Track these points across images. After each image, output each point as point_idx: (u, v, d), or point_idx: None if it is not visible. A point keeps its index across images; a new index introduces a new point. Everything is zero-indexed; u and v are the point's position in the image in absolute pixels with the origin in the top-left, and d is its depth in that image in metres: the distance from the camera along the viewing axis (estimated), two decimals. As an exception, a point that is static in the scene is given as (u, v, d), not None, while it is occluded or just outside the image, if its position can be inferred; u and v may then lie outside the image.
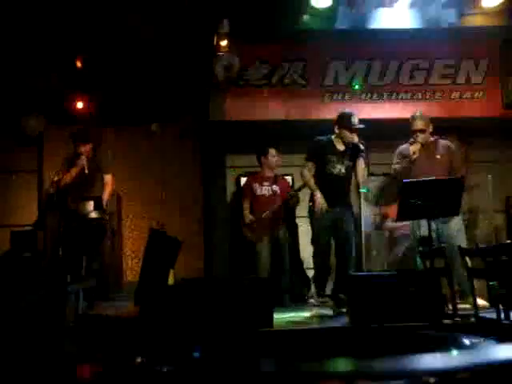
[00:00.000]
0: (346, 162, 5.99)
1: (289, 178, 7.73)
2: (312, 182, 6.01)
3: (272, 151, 7.18)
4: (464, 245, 5.86)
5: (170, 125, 8.14)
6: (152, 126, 8.01)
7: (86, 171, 6.75)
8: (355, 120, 5.92)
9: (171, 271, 6.67)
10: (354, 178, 6.16)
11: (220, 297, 5.34)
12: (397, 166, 6.19)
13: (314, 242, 6.10)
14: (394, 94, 8.06)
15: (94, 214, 6.79)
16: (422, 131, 6.07)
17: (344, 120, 5.96)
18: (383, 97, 8.05)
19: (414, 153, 6.01)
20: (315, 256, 6.11)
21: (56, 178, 6.85)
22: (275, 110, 7.89)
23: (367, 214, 8.10)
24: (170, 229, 7.07)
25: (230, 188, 8.30)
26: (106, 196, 6.90)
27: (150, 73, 7.63)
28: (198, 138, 8.28)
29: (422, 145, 6.03)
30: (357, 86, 8.03)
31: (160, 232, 6.90)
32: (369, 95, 8.07)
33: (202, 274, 7.77)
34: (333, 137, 6.04)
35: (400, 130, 7.37)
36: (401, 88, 8.08)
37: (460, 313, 5.37)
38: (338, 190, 6.01)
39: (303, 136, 6.38)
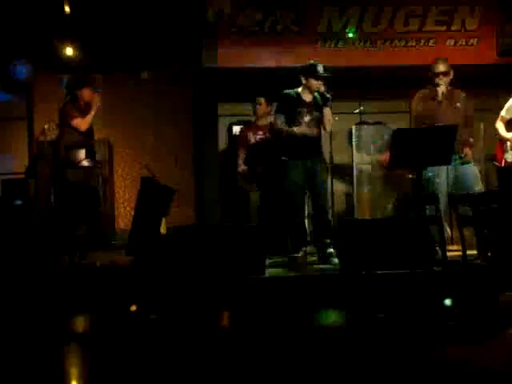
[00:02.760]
0: (315, 113, 6.03)
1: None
2: (287, 127, 6.00)
3: (259, 100, 7.10)
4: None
5: (161, 72, 8.14)
6: (142, 73, 8.06)
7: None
8: (320, 68, 5.97)
9: (163, 219, 6.59)
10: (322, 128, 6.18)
11: (212, 245, 5.40)
12: (420, 108, 6.17)
13: (288, 197, 6.08)
14: (388, 41, 8.07)
15: (85, 163, 6.73)
16: (446, 74, 6.09)
17: (310, 69, 6.00)
18: (377, 44, 8.06)
19: (442, 93, 6.04)
20: (291, 212, 6.06)
21: (47, 126, 6.83)
22: (268, 57, 7.86)
23: (358, 160, 8.20)
24: (161, 177, 6.87)
25: (222, 136, 8.34)
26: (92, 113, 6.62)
27: (141, 18, 7.61)
28: (190, 86, 8.27)
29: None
30: (350, 34, 8.02)
31: (152, 180, 6.70)
32: (362, 42, 8.07)
33: (193, 222, 7.81)
34: (300, 89, 6.08)
35: (393, 77, 7.68)
36: (395, 35, 8.08)
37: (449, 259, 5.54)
38: (308, 140, 6.03)
39: (297, 84, 6.26)
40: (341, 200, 8.16)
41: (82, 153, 6.73)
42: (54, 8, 7.31)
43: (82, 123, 6.54)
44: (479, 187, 6.08)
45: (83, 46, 7.72)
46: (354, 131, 8.19)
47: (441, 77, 6.09)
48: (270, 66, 7.72)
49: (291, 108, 6.03)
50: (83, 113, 6.55)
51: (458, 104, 6.15)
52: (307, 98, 6.06)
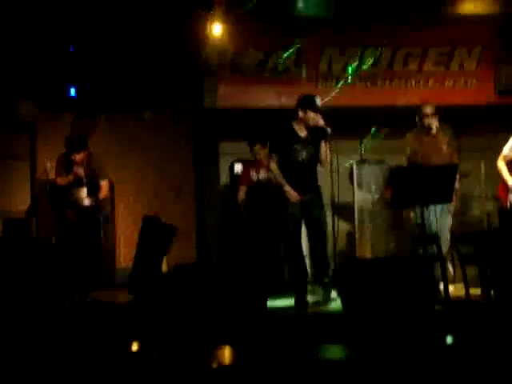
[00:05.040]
0: (310, 148, 5.95)
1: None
2: (281, 176, 5.92)
3: (255, 149, 7.22)
4: (447, 230, 6.12)
5: (162, 111, 8.16)
6: (144, 113, 8.05)
7: (84, 180, 6.82)
8: (319, 101, 5.91)
9: (164, 258, 6.79)
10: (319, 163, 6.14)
11: (212, 283, 5.42)
12: (413, 147, 6.34)
13: (287, 237, 6.02)
14: (388, 80, 8.15)
15: (86, 201, 6.85)
16: (434, 114, 6.34)
17: (308, 102, 5.91)
18: (377, 84, 8.14)
19: (432, 131, 6.27)
20: (290, 253, 6.02)
21: (48, 165, 6.88)
22: (269, 97, 7.93)
23: (360, 199, 8.14)
24: (163, 215, 7.11)
25: (223, 175, 8.30)
26: (100, 197, 6.93)
27: (143, 59, 7.67)
28: (191, 125, 8.32)
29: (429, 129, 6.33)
30: (350, 73, 8.02)
31: (154, 219, 6.94)
32: (363, 82, 8.12)
33: (194, 260, 7.79)
34: (294, 124, 5.97)
35: (392, 117, 7.66)
36: (394, 75, 8.17)
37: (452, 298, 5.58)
38: (304, 177, 5.95)
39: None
40: (342, 239, 8.05)
41: (83, 191, 6.83)
42: (59, 49, 7.46)
43: (60, 181, 6.78)
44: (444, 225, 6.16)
45: (86, 86, 7.79)
46: (354, 169, 8.15)
47: (430, 117, 6.34)
48: (270, 106, 7.76)
49: (285, 145, 5.92)
50: (68, 170, 6.78)
51: (444, 146, 6.34)
52: (302, 133, 5.96)
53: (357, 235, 8.08)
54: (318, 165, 6.07)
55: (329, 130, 5.87)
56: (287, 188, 5.83)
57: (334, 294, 5.98)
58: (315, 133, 5.96)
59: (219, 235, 8.08)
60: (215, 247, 8.02)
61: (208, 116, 8.07)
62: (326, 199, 7.02)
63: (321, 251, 6.01)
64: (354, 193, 8.12)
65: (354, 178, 8.15)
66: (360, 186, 8.15)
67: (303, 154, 5.92)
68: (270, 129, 6.08)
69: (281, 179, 5.87)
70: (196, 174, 8.35)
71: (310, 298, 6.02)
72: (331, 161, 6.39)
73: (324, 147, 5.94)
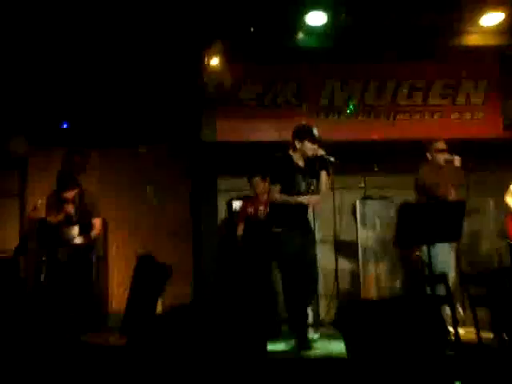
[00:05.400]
0: (308, 179, 5.79)
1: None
2: (287, 196, 5.70)
3: (253, 181, 7.20)
4: (452, 268, 6.13)
5: (158, 146, 8.12)
6: (140, 148, 8.02)
7: (74, 218, 6.71)
8: (316, 131, 5.78)
9: (159, 298, 6.59)
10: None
11: (209, 326, 5.12)
12: (429, 179, 6.35)
13: (285, 272, 5.78)
14: (392, 114, 8.08)
15: (79, 240, 6.71)
16: (445, 150, 6.45)
17: (305, 132, 5.78)
18: (380, 117, 8.07)
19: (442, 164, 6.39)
20: (290, 289, 5.73)
21: (39, 202, 6.73)
22: (268, 130, 7.86)
23: (363, 236, 8.03)
24: (158, 254, 6.81)
25: (221, 212, 8.24)
26: (92, 236, 6.82)
27: (138, 92, 7.62)
28: (188, 160, 8.26)
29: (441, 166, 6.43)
30: (351, 107, 8.02)
31: (149, 258, 6.68)
32: (365, 115, 8.06)
33: (190, 300, 7.68)
34: (291, 153, 5.82)
35: (397, 151, 7.60)
36: (398, 108, 8.10)
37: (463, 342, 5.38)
38: (305, 211, 5.82)
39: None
40: (345, 278, 8.07)
41: (74, 230, 6.69)
42: (50, 83, 7.37)
43: (51, 219, 6.67)
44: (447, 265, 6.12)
45: (79, 120, 7.74)
46: (358, 206, 8.08)
47: (443, 153, 6.43)
48: (270, 140, 7.62)
49: (286, 175, 5.74)
50: (59, 208, 6.67)
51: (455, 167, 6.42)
52: (300, 163, 5.80)
53: (361, 274, 7.98)
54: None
55: (332, 158, 5.73)
56: (301, 198, 5.66)
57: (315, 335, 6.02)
58: (314, 164, 5.81)
59: (217, 274, 7.95)
60: (212, 286, 7.88)
61: (206, 150, 8.03)
62: (329, 236, 7.34)
63: (314, 291, 5.94)
64: (357, 230, 8.04)
65: (357, 215, 8.08)
66: (363, 223, 8.06)
67: (303, 186, 5.75)
68: (270, 159, 5.87)
69: (289, 198, 5.67)
70: (193, 210, 8.26)
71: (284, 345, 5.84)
72: (334, 197, 6.41)
73: (325, 177, 5.77)
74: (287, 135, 7.12)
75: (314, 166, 5.82)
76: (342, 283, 7.52)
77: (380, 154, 7.81)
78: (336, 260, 7.32)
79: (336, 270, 7.22)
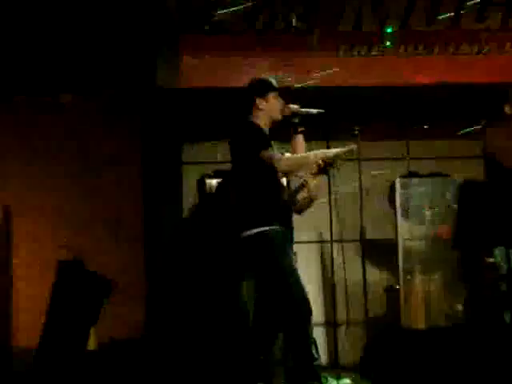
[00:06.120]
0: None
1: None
2: (300, 155, 5.78)
3: None
4: None
5: (92, 96, 8.02)
6: (62, 97, 7.94)
7: None
8: (276, 81, 5.89)
9: (92, 328, 6.85)
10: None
11: (163, 370, 5.83)
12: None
13: (290, 287, 5.58)
14: (451, 44, 7.94)
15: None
16: None
17: (265, 84, 5.81)
18: (433, 50, 7.95)
19: None
20: (302, 312, 5.56)
21: None
22: (260, 70, 7.36)
23: (406, 232, 7.95)
24: (91, 259, 7.10)
25: (188, 195, 8.12)
26: None
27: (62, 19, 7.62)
28: (138, 118, 8.13)
29: None
30: (389, 35, 7.91)
31: (76, 265, 6.94)
32: (411, 47, 7.94)
33: (141, 332, 7.62)
34: (255, 120, 5.80)
35: (458, 102, 7.73)
36: (461, 35, 8.00)
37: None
38: (287, 204, 5.94)
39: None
40: (377, 297, 8.01)
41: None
42: None
43: None
44: None
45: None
46: (397, 188, 7.94)
47: None
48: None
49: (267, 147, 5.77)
50: None
51: None
52: (266, 132, 5.83)
53: (401, 291, 7.88)
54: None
55: (314, 111, 5.78)
56: (331, 150, 5.64)
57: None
58: (288, 129, 5.86)
59: (183, 290, 7.76)
60: (176, 308, 7.69)
61: (165, 102, 7.91)
62: (352, 234, 7.29)
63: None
64: (396, 224, 7.95)
65: (396, 201, 7.95)
66: (406, 212, 7.97)
67: None
68: (242, 126, 5.78)
69: (303, 158, 5.70)
70: (146, 194, 8.13)
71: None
72: (359, 174, 6.69)
73: (301, 143, 5.78)
74: (290, 79, 7.36)
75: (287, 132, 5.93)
76: (372, 304, 7.51)
77: (431, 105, 7.79)
78: (363, 270, 7.28)
79: (364, 286, 7.19)
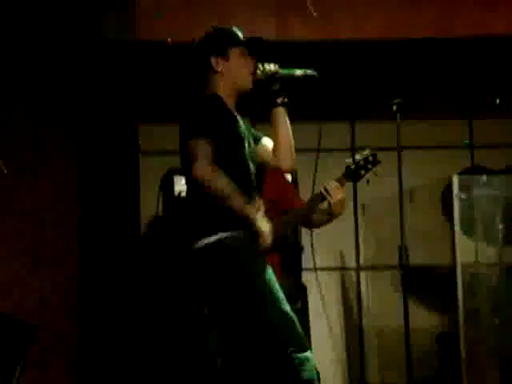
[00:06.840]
0: (251, 136, 5.58)
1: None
2: (230, 188, 5.19)
3: None
4: None
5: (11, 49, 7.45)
6: None
7: None
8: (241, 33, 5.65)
9: None
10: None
11: None
12: None
13: (272, 329, 5.07)
14: None
15: None
16: None
17: (227, 36, 5.55)
18: None
19: None
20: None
21: None
22: (239, 20, 7.25)
23: (468, 252, 7.89)
24: (4, 291, 7.32)
25: (149, 198, 7.72)
26: None
27: None
28: (75, 85, 7.82)
29: None
30: None
31: None
32: None
33: None
34: (215, 90, 5.44)
35: None
36: None
37: None
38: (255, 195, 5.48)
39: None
40: (425, 349, 7.96)
41: None
42: None
43: None
44: None
45: None
46: (456, 190, 7.73)
47: None
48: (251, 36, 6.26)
49: (224, 127, 5.32)
50: None
51: None
52: (231, 105, 5.47)
53: (462, 341, 7.72)
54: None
55: (299, 72, 5.50)
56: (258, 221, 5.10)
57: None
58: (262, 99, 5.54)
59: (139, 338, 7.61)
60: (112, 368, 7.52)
61: (114, 62, 7.67)
62: (388, 256, 7.58)
63: None
64: (454, 243, 7.73)
65: (454, 210, 7.77)
66: (470, 227, 7.83)
67: (248, 149, 5.46)
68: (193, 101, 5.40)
69: (231, 193, 5.23)
70: (82, 194, 7.96)
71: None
72: (399, 169, 6.33)
73: (282, 116, 5.48)
74: (287, 29, 7.72)
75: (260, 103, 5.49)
76: (417, 361, 7.12)
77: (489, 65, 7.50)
78: (405, 310, 6.62)
79: (406, 334, 6.63)
